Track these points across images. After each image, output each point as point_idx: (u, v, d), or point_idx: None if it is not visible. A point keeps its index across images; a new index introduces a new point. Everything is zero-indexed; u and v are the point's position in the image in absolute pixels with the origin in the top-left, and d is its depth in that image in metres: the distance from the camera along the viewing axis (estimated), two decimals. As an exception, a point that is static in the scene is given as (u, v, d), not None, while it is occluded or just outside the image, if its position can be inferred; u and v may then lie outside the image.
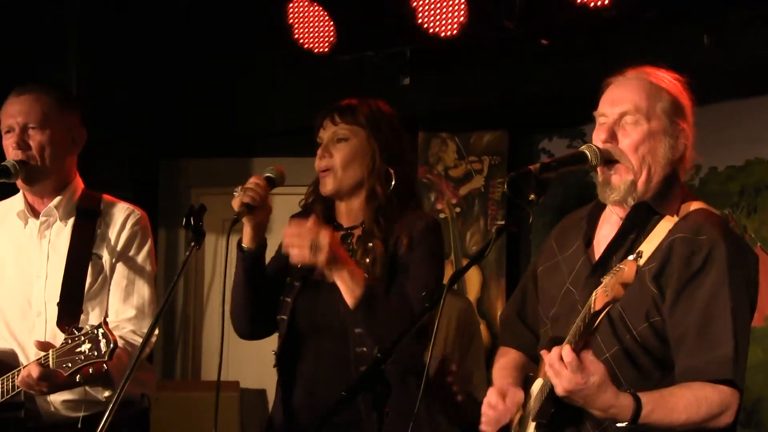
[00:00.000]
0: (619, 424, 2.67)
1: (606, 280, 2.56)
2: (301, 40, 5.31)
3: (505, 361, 3.15)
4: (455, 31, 4.90)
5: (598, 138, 2.87)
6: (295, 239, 3.21)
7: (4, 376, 3.47)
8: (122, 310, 3.63)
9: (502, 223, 2.88)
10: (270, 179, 3.38)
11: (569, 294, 2.93)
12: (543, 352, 2.73)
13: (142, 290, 3.66)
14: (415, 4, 4.97)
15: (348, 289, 3.21)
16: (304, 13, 5.30)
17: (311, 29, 5.29)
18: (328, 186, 3.40)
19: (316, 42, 5.28)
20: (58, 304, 3.56)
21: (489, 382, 3.16)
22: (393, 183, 3.38)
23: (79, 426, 3.56)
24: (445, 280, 2.91)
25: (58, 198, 3.68)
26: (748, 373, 2.79)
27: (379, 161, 3.38)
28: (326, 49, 5.27)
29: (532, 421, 2.87)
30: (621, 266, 2.53)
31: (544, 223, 5.64)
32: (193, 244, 3.16)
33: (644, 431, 2.69)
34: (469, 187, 5.89)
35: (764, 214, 5.16)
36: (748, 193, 5.19)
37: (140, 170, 6.35)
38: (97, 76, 5.72)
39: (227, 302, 3.29)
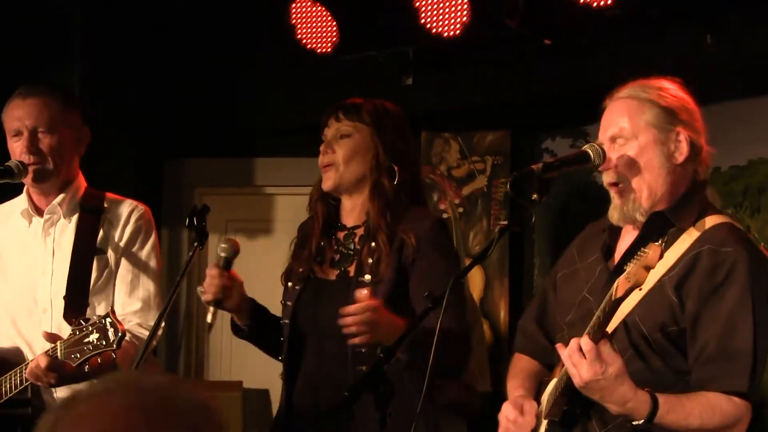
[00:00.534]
0: (634, 422, 2.67)
1: (629, 267, 2.57)
2: (304, 40, 5.31)
3: (517, 369, 3.16)
4: (458, 31, 4.90)
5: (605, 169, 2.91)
6: (350, 325, 3.13)
7: (12, 371, 3.48)
8: (128, 303, 3.65)
9: (505, 223, 2.89)
10: (225, 261, 3.37)
11: (585, 301, 2.94)
12: (559, 346, 2.73)
13: (148, 283, 3.68)
14: (417, 4, 4.97)
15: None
16: (306, 14, 5.31)
17: (314, 29, 5.30)
18: (329, 181, 3.41)
19: (319, 42, 5.29)
20: (64, 297, 3.58)
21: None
22: (397, 180, 3.38)
23: None
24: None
25: (61, 195, 3.69)
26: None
27: (383, 157, 3.38)
28: (329, 49, 5.27)
29: (544, 419, 2.88)
30: (645, 250, 2.54)
31: (547, 223, 5.63)
32: (196, 244, 3.18)
33: None
34: (471, 187, 5.88)
35: (768, 213, 5.16)
36: (751, 192, 5.17)
37: (143, 170, 6.34)
38: (100, 75, 5.72)
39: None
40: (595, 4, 4.51)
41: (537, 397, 3.00)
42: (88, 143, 3.76)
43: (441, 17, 4.93)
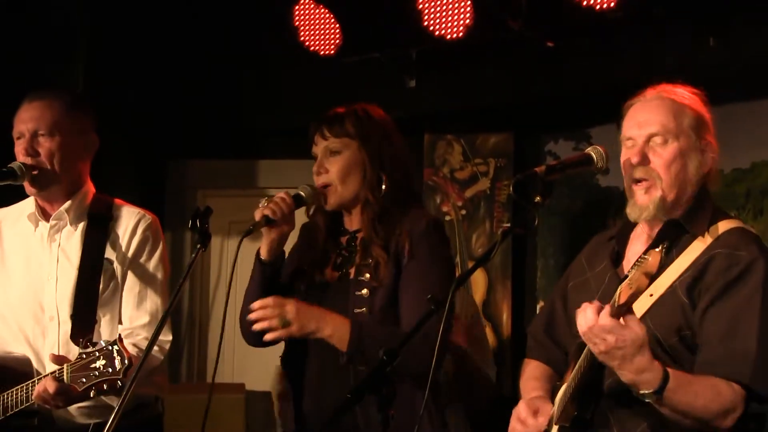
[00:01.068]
0: (642, 391, 2.66)
1: (631, 273, 2.57)
2: (307, 42, 5.32)
3: (532, 371, 3.16)
4: (461, 33, 4.91)
5: (629, 162, 2.89)
6: (261, 316, 3.25)
7: (19, 386, 3.47)
8: (136, 316, 3.63)
9: (508, 225, 2.88)
10: (299, 197, 3.42)
11: None
12: (579, 311, 2.70)
13: (155, 296, 3.66)
14: (420, 6, 4.97)
15: (336, 340, 3.25)
16: (310, 16, 5.32)
17: (317, 31, 5.31)
18: (330, 201, 3.44)
19: (322, 44, 5.29)
20: (72, 316, 3.57)
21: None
22: (384, 188, 3.39)
23: None
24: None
25: (68, 202, 3.68)
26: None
27: (369, 171, 3.41)
28: (332, 51, 5.28)
29: (555, 424, 2.88)
30: (645, 257, 2.54)
31: (550, 225, 5.63)
32: (199, 246, 3.17)
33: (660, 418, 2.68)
34: (474, 190, 5.88)
35: (770, 216, 5.15)
36: (754, 195, 5.17)
37: (146, 172, 6.34)
38: (103, 77, 5.72)
39: (230, 304, 3.30)
40: (597, 6, 4.51)
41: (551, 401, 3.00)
42: (95, 150, 3.74)
43: (444, 19, 4.93)
